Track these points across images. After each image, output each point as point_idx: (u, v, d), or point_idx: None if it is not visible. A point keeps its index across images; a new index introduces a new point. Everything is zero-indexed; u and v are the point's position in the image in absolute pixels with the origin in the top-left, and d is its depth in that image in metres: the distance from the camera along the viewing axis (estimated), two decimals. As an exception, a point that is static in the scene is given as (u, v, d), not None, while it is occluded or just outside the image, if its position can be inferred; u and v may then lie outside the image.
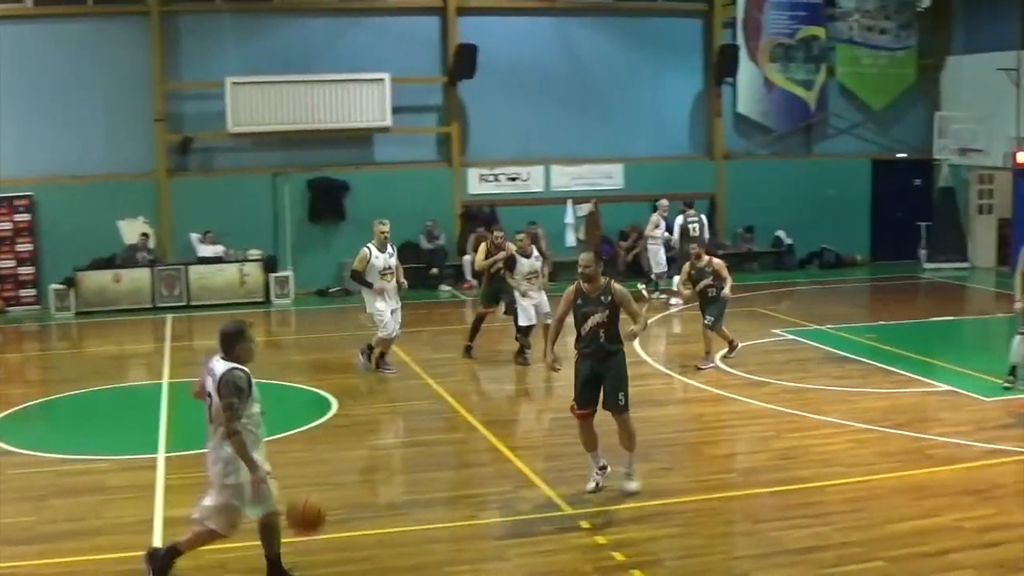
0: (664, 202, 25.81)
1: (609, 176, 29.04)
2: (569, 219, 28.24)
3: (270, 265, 26.02)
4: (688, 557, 10.13)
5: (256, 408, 9.28)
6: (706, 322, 18.02)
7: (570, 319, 11.81)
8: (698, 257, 18.17)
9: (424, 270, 26.95)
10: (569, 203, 28.36)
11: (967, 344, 21.50)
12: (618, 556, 10.08)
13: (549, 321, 18.40)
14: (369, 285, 17.23)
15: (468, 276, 27.31)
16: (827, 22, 30.20)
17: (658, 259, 25.33)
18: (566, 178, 28.80)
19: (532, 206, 27.74)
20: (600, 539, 10.49)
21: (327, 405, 15.96)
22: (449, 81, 27.67)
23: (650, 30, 29.32)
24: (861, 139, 31.15)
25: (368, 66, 26.75)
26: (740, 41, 29.57)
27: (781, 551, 10.18)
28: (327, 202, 27.02)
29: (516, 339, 18.79)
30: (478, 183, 28.38)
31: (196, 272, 25.37)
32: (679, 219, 24.83)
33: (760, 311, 23.12)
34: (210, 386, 9.18)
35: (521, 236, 18.57)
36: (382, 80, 26.67)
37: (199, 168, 26.78)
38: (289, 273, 26.03)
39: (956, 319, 23.05)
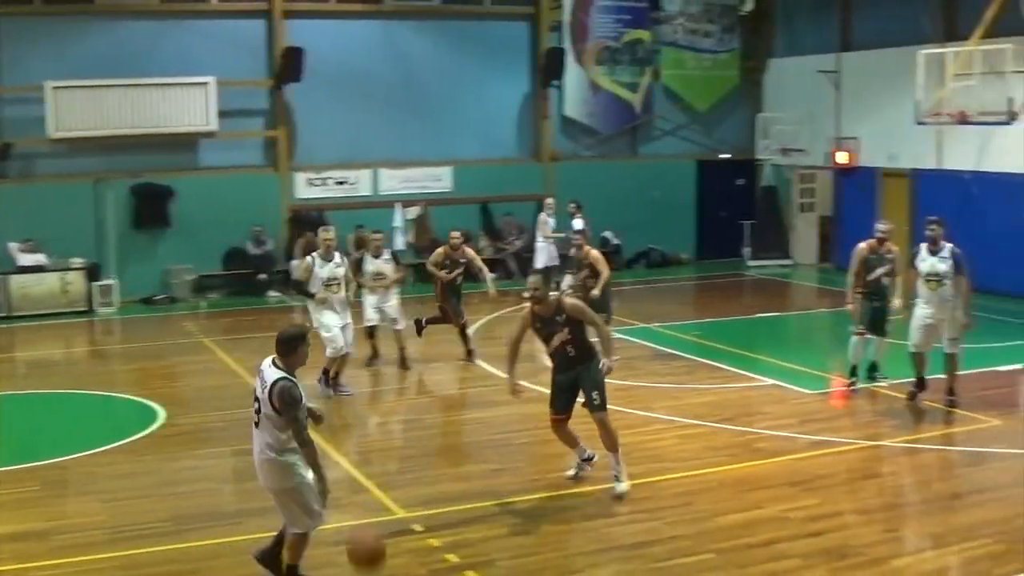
0: (550, 200, 25.98)
1: (438, 179, 29.00)
2: (398, 222, 28.10)
3: (93, 273, 25.40)
4: (522, 556, 10.19)
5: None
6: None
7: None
8: (579, 248, 18.38)
9: (252, 276, 26.60)
10: (398, 206, 28.23)
11: (790, 339, 22.04)
12: (452, 558, 10.09)
13: (397, 328, 18.24)
14: (311, 296, 16.34)
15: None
16: (652, 25, 30.61)
17: (551, 255, 25.27)
18: (394, 181, 28.65)
19: (361, 209, 27.54)
20: (433, 541, 10.48)
21: (154, 415, 15.59)
22: (275, 84, 27.33)
23: (477, 33, 29.37)
24: (686, 140, 31.67)
25: (192, 69, 26.21)
26: (567, 44, 29.77)
27: (613, 547, 10.32)
28: (152, 208, 26.42)
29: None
30: (306, 187, 28.05)
31: (16, 282, 24.60)
32: (578, 222, 24.63)
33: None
34: (259, 391, 9.07)
35: (378, 237, 18.25)
36: (206, 84, 26.18)
37: (18, 175, 25.93)
38: (113, 281, 25.42)
39: (779, 315, 23.59)
